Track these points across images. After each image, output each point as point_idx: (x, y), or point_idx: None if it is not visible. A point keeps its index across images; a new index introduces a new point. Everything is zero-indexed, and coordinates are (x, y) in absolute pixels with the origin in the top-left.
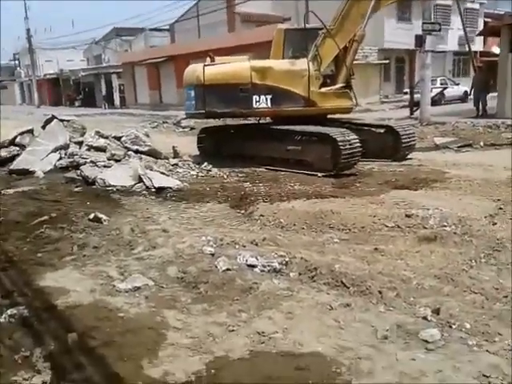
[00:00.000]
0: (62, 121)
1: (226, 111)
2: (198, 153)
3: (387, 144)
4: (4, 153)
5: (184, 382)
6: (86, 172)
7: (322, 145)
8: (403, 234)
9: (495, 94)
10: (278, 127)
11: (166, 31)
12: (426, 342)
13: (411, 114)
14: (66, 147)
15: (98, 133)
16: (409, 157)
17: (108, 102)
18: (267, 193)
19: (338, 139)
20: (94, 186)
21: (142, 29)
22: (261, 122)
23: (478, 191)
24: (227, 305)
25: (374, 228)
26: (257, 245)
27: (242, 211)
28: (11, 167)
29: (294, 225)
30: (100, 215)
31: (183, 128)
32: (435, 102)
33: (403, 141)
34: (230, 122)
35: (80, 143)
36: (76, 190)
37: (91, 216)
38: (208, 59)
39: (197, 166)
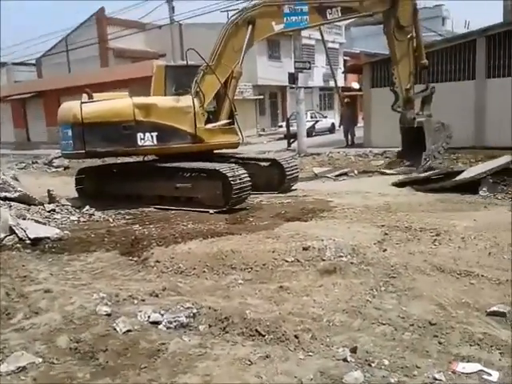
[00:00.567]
0: None
1: (109, 150)
2: (76, 195)
3: (273, 176)
4: None
5: None
6: None
7: (213, 181)
8: (304, 268)
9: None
10: (166, 164)
11: (33, 66)
12: None
13: (289, 145)
14: None
15: None
16: (293, 187)
17: None
18: (160, 235)
19: (229, 175)
20: None
21: (4, 63)
22: (146, 159)
23: (363, 218)
24: (134, 375)
25: (275, 264)
26: (157, 296)
27: (135, 258)
28: None
29: (194, 269)
30: None
31: (56, 168)
32: (307, 133)
33: (287, 173)
34: (111, 160)
35: None
36: None
37: None
38: (84, 95)
39: (77, 211)
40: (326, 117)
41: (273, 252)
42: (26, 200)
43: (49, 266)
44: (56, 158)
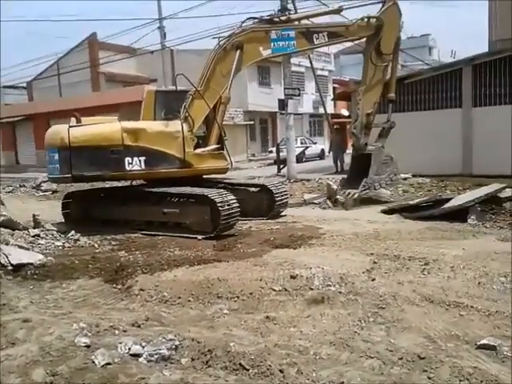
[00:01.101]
0: None
1: (96, 174)
2: (63, 220)
3: (262, 202)
4: None
5: None
6: None
7: (201, 206)
8: (291, 298)
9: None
10: (154, 189)
11: (23, 89)
12: None
13: (278, 171)
14: None
15: None
16: (282, 213)
17: None
18: (146, 262)
19: (217, 200)
20: None
21: None
22: (133, 184)
23: (352, 246)
24: None
25: (262, 293)
26: (139, 327)
27: (119, 286)
28: None
29: (179, 297)
30: None
31: (44, 192)
32: (297, 159)
33: (277, 199)
34: (98, 185)
35: None
36: None
37: None
38: (73, 119)
39: (62, 236)
40: (315, 143)
41: (260, 280)
42: (9, 225)
43: (30, 294)
44: (44, 181)
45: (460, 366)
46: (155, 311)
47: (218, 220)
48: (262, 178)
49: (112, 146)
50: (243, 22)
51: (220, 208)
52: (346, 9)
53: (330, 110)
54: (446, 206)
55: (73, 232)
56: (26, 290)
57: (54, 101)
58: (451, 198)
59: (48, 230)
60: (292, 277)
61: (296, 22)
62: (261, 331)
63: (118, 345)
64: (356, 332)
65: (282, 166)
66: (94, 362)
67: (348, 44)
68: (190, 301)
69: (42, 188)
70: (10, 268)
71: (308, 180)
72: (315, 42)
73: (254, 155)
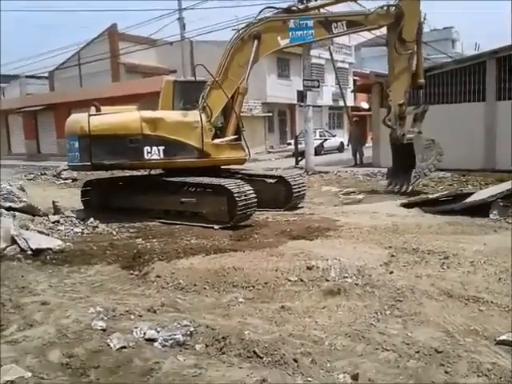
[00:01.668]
0: None
1: (115, 163)
2: (82, 207)
3: (279, 194)
4: None
5: None
6: None
7: (218, 196)
8: (307, 289)
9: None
10: (172, 179)
11: (45, 79)
12: None
13: (297, 163)
14: None
15: None
16: (299, 205)
17: None
18: (163, 249)
19: (234, 191)
20: None
21: (16, 76)
22: (152, 173)
23: (369, 239)
24: None
25: (278, 283)
26: (155, 312)
27: (136, 272)
28: None
29: (195, 285)
30: None
31: (64, 180)
32: (316, 152)
33: (294, 190)
34: (117, 173)
35: None
36: None
37: None
38: (92, 108)
39: (81, 223)
40: (334, 135)
41: (276, 270)
42: (30, 210)
43: (48, 278)
44: (65, 169)
45: (478, 362)
46: (171, 298)
47: (234, 210)
48: (279, 170)
49: (131, 135)
50: (261, 12)
51: (237, 198)
52: None
53: (350, 102)
54: (468, 200)
55: (91, 219)
56: (44, 273)
57: (75, 91)
58: (473, 193)
59: (67, 216)
60: (308, 268)
61: (314, 12)
62: (276, 320)
63: (133, 329)
64: (372, 324)
65: (300, 158)
66: (109, 346)
67: (369, 36)
68: (205, 288)
69: (63, 176)
70: (29, 252)
71: (326, 172)
72: (334, 32)
73: (272, 147)
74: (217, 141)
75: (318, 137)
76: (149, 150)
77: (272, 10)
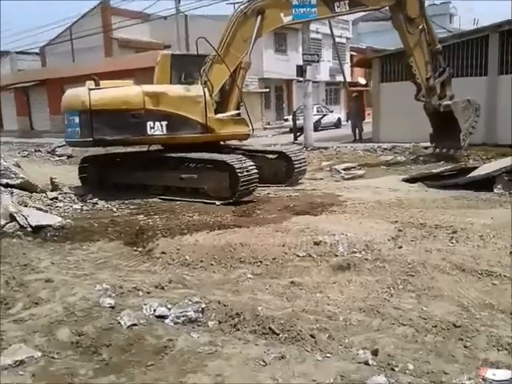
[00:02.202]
0: None
1: (117, 138)
2: (80, 184)
3: (280, 169)
4: None
5: None
6: None
7: (219, 172)
8: (316, 264)
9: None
10: (172, 154)
11: (36, 55)
12: None
13: (295, 139)
14: None
15: None
16: (300, 181)
17: None
18: (165, 226)
19: (236, 166)
20: None
21: (7, 52)
22: (151, 149)
23: (375, 214)
24: (140, 373)
25: (286, 259)
26: (163, 289)
27: (140, 249)
28: None
29: (202, 261)
30: None
31: (59, 156)
32: (313, 128)
33: (295, 166)
34: (114, 149)
35: None
36: None
37: None
38: (90, 82)
39: (80, 199)
40: (332, 111)
41: (283, 246)
42: (27, 187)
43: (50, 255)
44: (59, 146)
45: (497, 336)
46: (178, 274)
47: (236, 186)
48: (278, 146)
49: (133, 110)
50: None
51: (239, 174)
52: None
53: (348, 78)
54: (472, 174)
55: (90, 195)
56: (46, 251)
57: (67, 66)
58: (476, 167)
59: (66, 193)
60: (315, 243)
61: None
62: (287, 296)
63: (142, 306)
64: (386, 299)
65: (298, 134)
66: (119, 323)
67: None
68: (212, 264)
69: (57, 153)
70: (29, 229)
71: (326, 148)
72: (336, 10)
73: (268, 123)
74: (220, 115)
75: (315, 112)
76: (151, 125)
77: None
